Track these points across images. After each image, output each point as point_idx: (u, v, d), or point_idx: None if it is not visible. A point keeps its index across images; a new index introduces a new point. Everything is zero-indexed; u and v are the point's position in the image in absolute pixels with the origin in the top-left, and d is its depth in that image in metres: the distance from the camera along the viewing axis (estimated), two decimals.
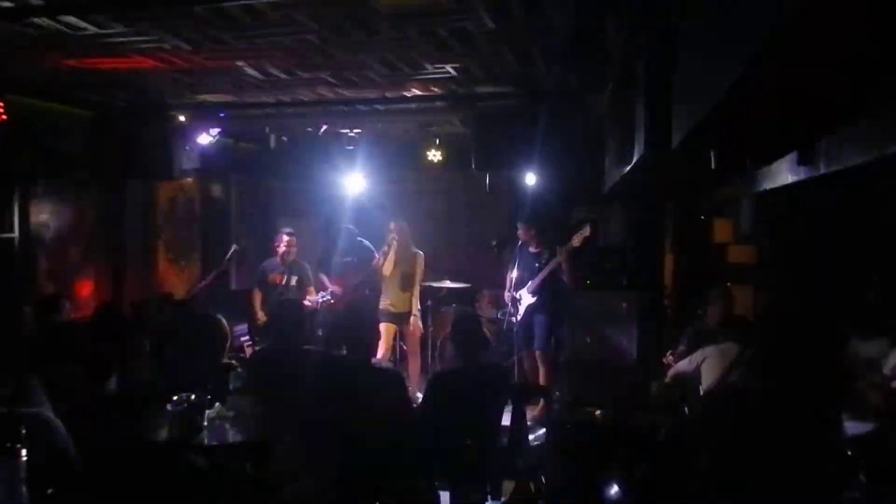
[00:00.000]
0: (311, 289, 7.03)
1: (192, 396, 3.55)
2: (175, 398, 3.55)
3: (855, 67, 1.57)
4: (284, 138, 7.28)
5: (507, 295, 6.60)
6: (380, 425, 3.52)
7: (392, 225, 6.94)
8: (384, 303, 6.90)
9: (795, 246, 3.63)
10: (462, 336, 4.09)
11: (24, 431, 3.14)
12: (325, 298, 7.11)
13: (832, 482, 3.40)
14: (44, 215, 5.92)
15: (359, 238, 7.56)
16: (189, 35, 4.06)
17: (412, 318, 6.93)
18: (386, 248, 6.92)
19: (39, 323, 4.83)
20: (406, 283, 6.92)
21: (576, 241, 6.14)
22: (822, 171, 2.69)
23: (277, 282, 6.90)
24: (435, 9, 3.52)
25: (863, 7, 1.10)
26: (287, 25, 3.86)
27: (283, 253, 6.86)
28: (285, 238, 6.89)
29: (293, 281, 6.92)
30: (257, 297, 6.90)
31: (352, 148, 7.38)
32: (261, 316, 6.81)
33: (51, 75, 5.11)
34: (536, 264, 6.39)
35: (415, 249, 7.03)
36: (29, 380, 3.62)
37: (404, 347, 7.32)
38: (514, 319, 6.49)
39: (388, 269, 6.88)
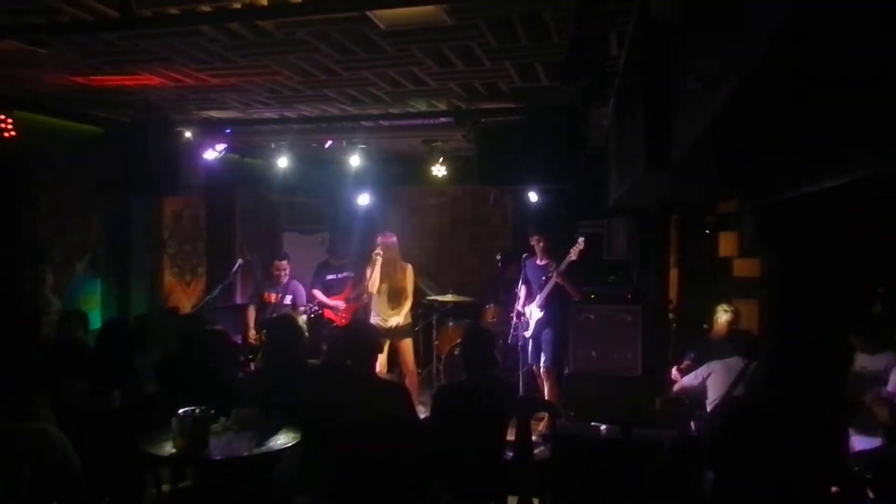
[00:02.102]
0: (302, 308, 7.12)
1: (197, 410, 3.56)
2: (180, 412, 3.56)
3: (856, 81, 1.57)
4: (288, 153, 7.33)
5: (516, 310, 6.59)
6: (384, 438, 3.52)
7: (378, 239, 6.89)
8: (374, 319, 6.82)
9: (800, 259, 3.62)
10: (471, 351, 4.09)
11: (29, 447, 3.15)
12: (312, 311, 7.16)
13: (839, 499, 3.38)
14: (50, 231, 5.96)
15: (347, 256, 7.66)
16: (195, 53, 4.11)
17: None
18: (370, 265, 6.84)
19: (57, 337, 4.87)
20: (395, 298, 6.87)
21: (573, 254, 6.17)
22: (825, 184, 2.69)
23: (273, 300, 6.99)
24: (437, 27, 3.55)
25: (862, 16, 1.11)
26: (291, 44, 3.90)
27: (279, 276, 7.09)
28: (279, 264, 7.15)
29: (287, 300, 7.03)
30: (251, 315, 7.04)
31: (357, 163, 7.40)
32: (252, 333, 6.88)
33: (59, 92, 5.17)
34: (543, 277, 6.40)
35: (403, 263, 6.95)
36: (34, 395, 3.64)
37: (399, 364, 7.24)
38: (524, 334, 6.48)
39: (374, 285, 6.83)
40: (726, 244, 6.68)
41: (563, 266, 6.18)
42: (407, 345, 6.93)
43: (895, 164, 2.20)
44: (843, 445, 3.86)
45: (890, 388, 4.33)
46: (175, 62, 4.31)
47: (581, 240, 6.21)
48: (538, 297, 6.38)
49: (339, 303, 7.44)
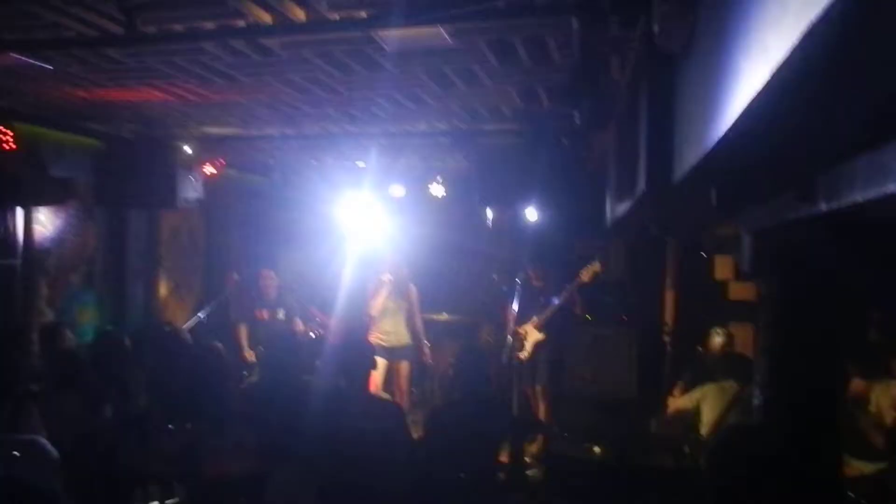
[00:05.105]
0: (298, 320, 7.06)
1: (189, 426, 3.54)
2: (171, 427, 3.54)
3: (855, 104, 1.59)
4: (287, 168, 7.33)
5: (510, 329, 6.56)
6: (378, 457, 3.50)
7: (390, 263, 6.86)
8: (374, 336, 6.78)
9: (796, 284, 3.63)
10: (465, 371, 4.09)
11: (18, 458, 3.12)
12: (314, 330, 7.12)
13: None
14: (47, 242, 5.94)
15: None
16: (198, 70, 4.13)
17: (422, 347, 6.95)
18: (378, 284, 6.81)
19: (42, 351, 4.81)
20: (399, 317, 6.85)
21: (584, 275, 6.18)
22: (821, 208, 2.70)
23: (265, 317, 6.94)
24: (439, 48, 3.58)
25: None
26: (294, 62, 3.92)
27: (267, 288, 6.99)
28: (267, 273, 7.10)
29: (280, 314, 6.97)
30: (243, 333, 6.95)
31: (356, 181, 7.41)
32: (247, 353, 6.82)
33: (60, 105, 5.18)
34: (541, 299, 6.40)
35: (411, 283, 6.96)
36: (26, 407, 3.62)
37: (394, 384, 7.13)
38: (519, 355, 6.45)
39: (377, 307, 6.79)
40: (722, 267, 6.70)
41: (576, 283, 6.19)
42: (405, 368, 6.88)
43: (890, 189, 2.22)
44: (838, 471, 3.84)
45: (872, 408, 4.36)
46: (178, 79, 4.33)
47: (597, 262, 6.21)
48: (536, 318, 6.37)
49: (325, 319, 7.40)
